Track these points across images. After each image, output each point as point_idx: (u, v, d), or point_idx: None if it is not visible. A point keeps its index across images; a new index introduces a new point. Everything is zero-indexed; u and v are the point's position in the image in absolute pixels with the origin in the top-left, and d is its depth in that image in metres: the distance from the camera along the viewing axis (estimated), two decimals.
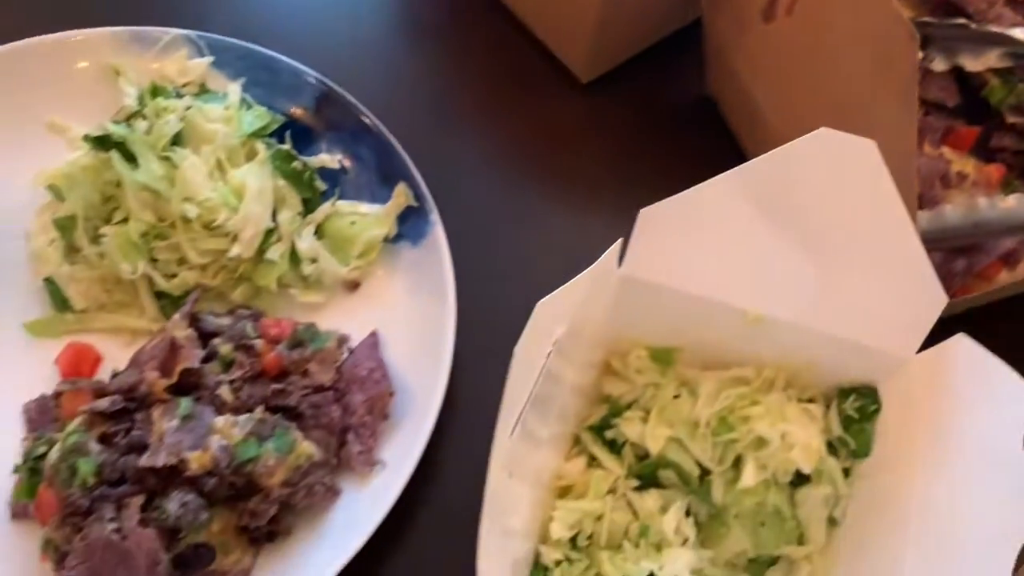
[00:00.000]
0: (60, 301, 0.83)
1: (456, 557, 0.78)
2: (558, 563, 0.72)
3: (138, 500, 0.67)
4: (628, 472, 0.76)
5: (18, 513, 0.74)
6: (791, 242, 0.70)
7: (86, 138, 0.80)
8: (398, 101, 0.93)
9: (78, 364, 0.80)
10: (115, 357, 0.82)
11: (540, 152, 0.97)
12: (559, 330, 0.63)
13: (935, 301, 0.69)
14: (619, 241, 0.69)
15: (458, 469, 0.80)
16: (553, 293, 0.60)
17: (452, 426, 0.80)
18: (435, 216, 0.84)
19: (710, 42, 0.94)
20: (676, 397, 0.77)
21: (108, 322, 0.82)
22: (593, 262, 0.92)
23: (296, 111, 0.90)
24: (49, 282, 0.83)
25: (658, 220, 0.70)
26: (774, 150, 0.68)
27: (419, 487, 0.77)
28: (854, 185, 0.67)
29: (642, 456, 0.78)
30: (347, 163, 0.88)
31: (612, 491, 0.75)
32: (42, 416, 0.78)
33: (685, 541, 0.72)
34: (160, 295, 0.83)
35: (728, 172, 0.69)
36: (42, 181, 0.86)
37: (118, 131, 0.80)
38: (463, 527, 0.79)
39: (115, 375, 0.77)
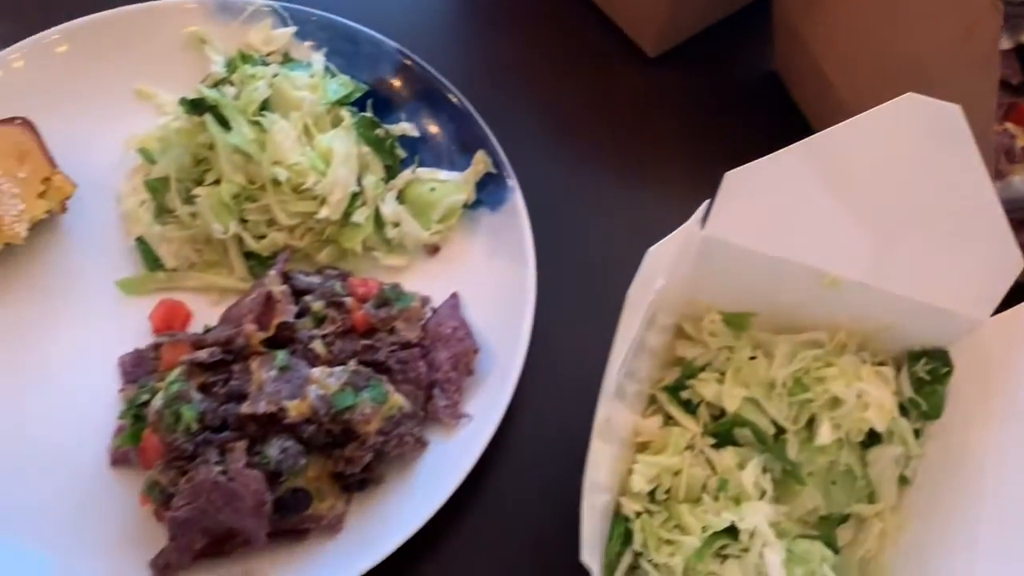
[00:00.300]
0: (151, 260, 0.86)
1: (533, 506, 0.81)
2: (638, 515, 0.74)
3: (243, 444, 0.70)
4: (704, 430, 0.79)
5: (118, 460, 0.77)
6: (871, 205, 0.72)
7: (182, 101, 0.83)
8: (472, 73, 0.96)
9: (170, 320, 0.83)
10: (204, 314, 0.85)
11: (608, 124, 0.99)
12: (660, 281, 0.65)
13: (1012, 265, 0.71)
14: (705, 203, 0.71)
15: (533, 423, 0.82)
16: (661, 241, 0.63)
17: (526, 383, 0.83)
18: (513, 182, 0.86)
19: (779, 16, 0.96)
20: (752, 359, 0.79)
21: (197, 281, 0.85)
22: (659, 232, 0.95)
23: (377, 81, 0.92)
24: (140, 242, 0.86)
25: (742, 183, 0.72)
26: (858, 115, 0.70)
27: (497, 439, 0.80)
28: (937, 149, 0.69)
29: (716, 416, 0.80)
30: (429, 130, 0.91)
31: (689, 448, 0.77)
32: (137, 368, 0.81)
33: (763, 495, 0.74)
34: (248, 255, 0.86)
35: (811, 137, 0.71)
36: (133, 145, 0.90)
37: (212, 95, 0.83)
38: (539, 478, 0.83)
39: (207, 330, 0.80)
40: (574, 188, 0.95)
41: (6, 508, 0.74)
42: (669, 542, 0.73)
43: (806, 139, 0.72)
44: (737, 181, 0.72)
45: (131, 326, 0.83)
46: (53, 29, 0.91)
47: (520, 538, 0.80)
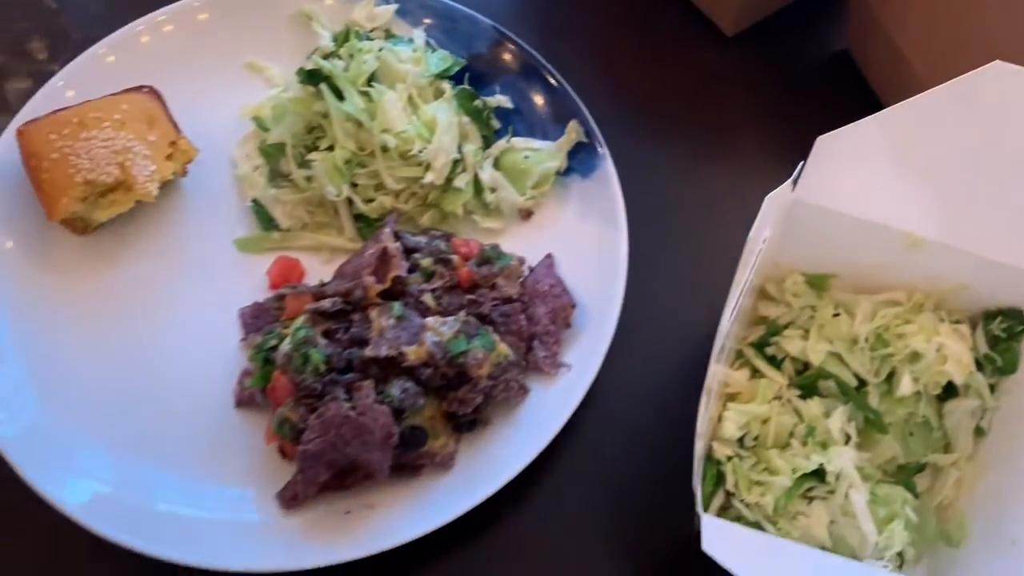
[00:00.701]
0: (266, 220, 0.92)
1: (617, 449, 0.87)
2: (729, 458, 0.79)
3: (370, 383, 0.76)
4: (789, 383, 0.83)
5: (243, 401, 0.83)
6: (955, 169, 0.77)
7: (300, 71, 0.89)
8: (559, 50, 1.01)
9: (286, 275, 0.89)
10: (315, 272, 0.91)
11: (687, 100, 1.04)
12: (767, 232, 0.70)
13: None
14: (799, 166, 0.76)
15: (619, 374, 0.87)
16: (778, 189, 0.67)
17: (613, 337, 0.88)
18: (604, 150, 0.92)
19: None
20: (835, 316, 0.84)
21: (310, 240, 0.91)
22: (733, 202, 1.00)
23: (473, 56, 0.98)
24: (256, 203, 0.93)
25: (832, 148, 0.76)
26: (945, 83, 0.74)
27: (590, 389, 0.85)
28: (1021, 114, 0.73)
29: (800, 370, 0.85)
30: (521, 103, 0.96)
31: (776, 398, 0.82)
32: (256, 319, 0.88)
33: (847, 441, 0.79)
34: (357, 217, 0.92)
35: (899, 104, 0.76)
36: (246, 114, 0.96)
37: (327, 66, 0.89)
38: (624, 425, 0.88)
39: (323, 285, 0.86)
40: (653, 159, 1.00)
41: (147, 440, 0.81)
42: (759, 483, 0.78)
43: (892, 106, 0.76)
44: (828, 146, 0.77)
45: (248, 281, 0.90)
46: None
47: (606, 477, 0.86)
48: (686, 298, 0.94)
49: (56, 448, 0.78)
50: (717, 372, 0.79)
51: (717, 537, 0.65)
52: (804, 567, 0.66)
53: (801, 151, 1.01)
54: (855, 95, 1.05)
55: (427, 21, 0.99)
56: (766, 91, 1.06)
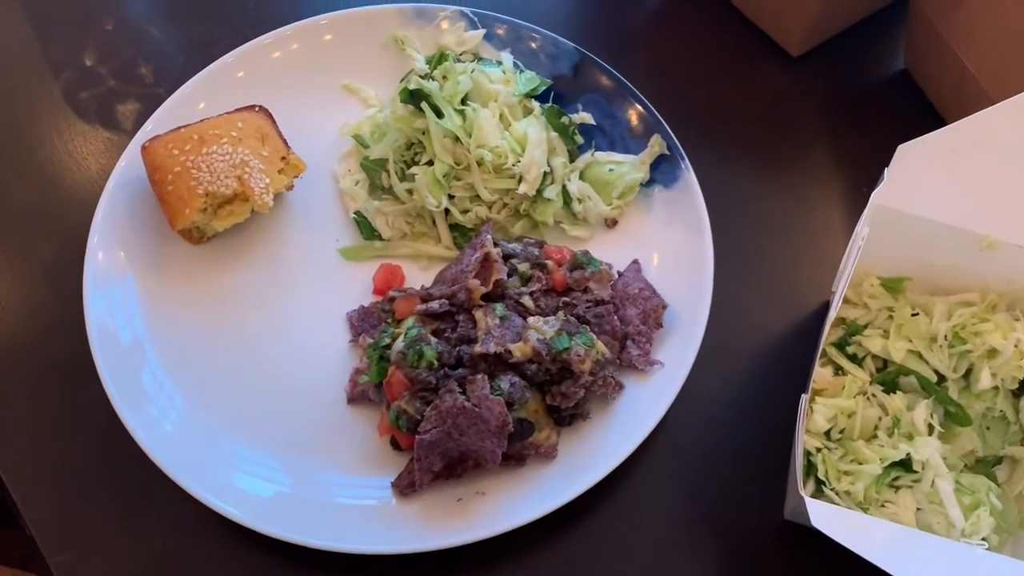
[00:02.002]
0: (368, 231, 0.98)
1: (709, 444, 0.91)
2: (818, 450, 0.84)
3: (483, 376, 0.81)
4: (872, 379, 0.88)
5: (355, 398, 0.89)
6: None
7: (403, 91, 0.96)
8: (636, 69, 1.07)
9: (390, 281, 0.95)
10: (414, 278, 0.97)
11: (757, 116, 1.10)
12: (866, 229, 0.75)
13: None
14: (885, 171, 0.81)
15: (708, 371, 0.92)
16: (880, 187, 0.72)
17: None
18: (687, 163, 0.97)
19: (916, 17, 1.06)
20: (914, 315, 0.88)
21: (409, 249, 0.97)
22: (805, 211, 1.05)
23: (556, 76, 1.04)
24: (358, 215, 0.99)
25: (913, 155, 0.81)
26: (1015, 96, 0.79)
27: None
28: None
29: (880, 368, 0.90)
30: (603, 119, 1.02)
31: (861, 393, 0.86)
32: (363, 322, 0.93)
33: (931, 432, 0.83)
34: (452, 227, 0.97)
35: (973, 115, 0.81)
36: (347, 132, 1.02)
37: (427, 86, 0.95)
38: (713, 419, 0.93)
39: (425, 289, 0.92)
40: (727, 172, 1.06)
41: (267, 435, 0.86)
42: (847, 473, 0.82)
43: (966, 118, 0.81)
44: (909, 153, 0.81)
45: (353, 287, 0.96)
46: (319, 17, 1.07)
47: (693, 468, 0.90)
48: (763, 297, 0.99)
49: (202, 447, 0.84)
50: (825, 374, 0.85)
51: (824, 517, 0.69)
52: (905, 543, 0.70)
53: (867, 164, 1.08)
54: (917, 110, 1.11)
55: (512, 45, 1.05)
56: (831, 108, 1.11)
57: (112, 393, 0.83)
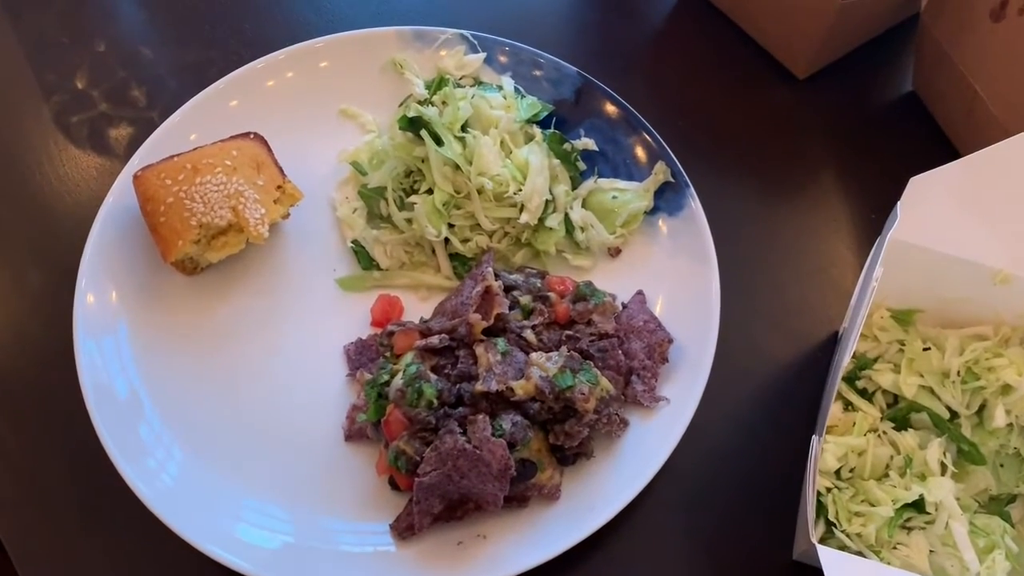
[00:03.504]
0: (366, 260, 0.96)
1: (716, 481, 0.89)
2: (828, 490, 0.81)
3: (485, 417, 0.78)
4: (882, 415, 0.86)
5: (353, 436, 0.86)
6: None
7: (402, 119, 0.94)
8: (638, 93, 1.04)
9: (388, 313, 0.93)
10: (413, 309, 0.94)
11: (763, 139, 1.08)
12: (880, 271, 0.73)
13: None
14: (897, 206, 0.79)
15: (714, 406, 0.89)
16: (896, 225, 0.71)
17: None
18: (692, 191, 0.95)
19: (926, 40, 1.04)
20: (925, 350, 0.86)
21: (408, 279, 0.95)
22: (812, 237, 1.03)
23: (558, 101, 1.02)
24: (356, 244, 0.96)
25: (926, 187, 0.79)
26: None
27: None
28: None
29: (890, 403, 0.88)
30: (606, 145, 1.00)
31: (872, 430, 0.84)
32: (360, 356, 0.91)
33: (944, 471, 0.81)
34: (452, 256, 0.95)
35: (986, 149, 0.79)
36: (345, 159, 1.00)
37: (427, 113, 0.93)
38: (721, 455, 0.90)
39: (424, 321, 0.90)
40: (732, 197, 1.04)
41: (266, 478, 0.84)
42: (859, 514, 0.80)
43: (979, 151, 0.79)
44: (921, 185, 0.79)
45: (350, 319, 0.93)
46: (314, 41, 1.04)
47: (700, 506, 0.88)
48: (769, 329, 0.97)
49: (202, 498, 0.82)
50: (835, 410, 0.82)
51: (837, 567, 0.67)
52: None
53: (875, 188, 1.06)
54: (925, 133, 1.09)
55: (513, 69, 1.03)
56: (839, 131, 1.09)
57: (110, 448, 0.81)
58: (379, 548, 0.80)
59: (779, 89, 1.11)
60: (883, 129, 1.10)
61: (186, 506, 0.79)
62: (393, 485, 0.83)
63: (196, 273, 0.94)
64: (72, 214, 1.00)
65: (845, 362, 0.72)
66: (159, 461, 0.82)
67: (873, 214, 1.03)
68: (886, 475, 0.82)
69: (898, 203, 0.78)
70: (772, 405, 0.93)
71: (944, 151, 1.06)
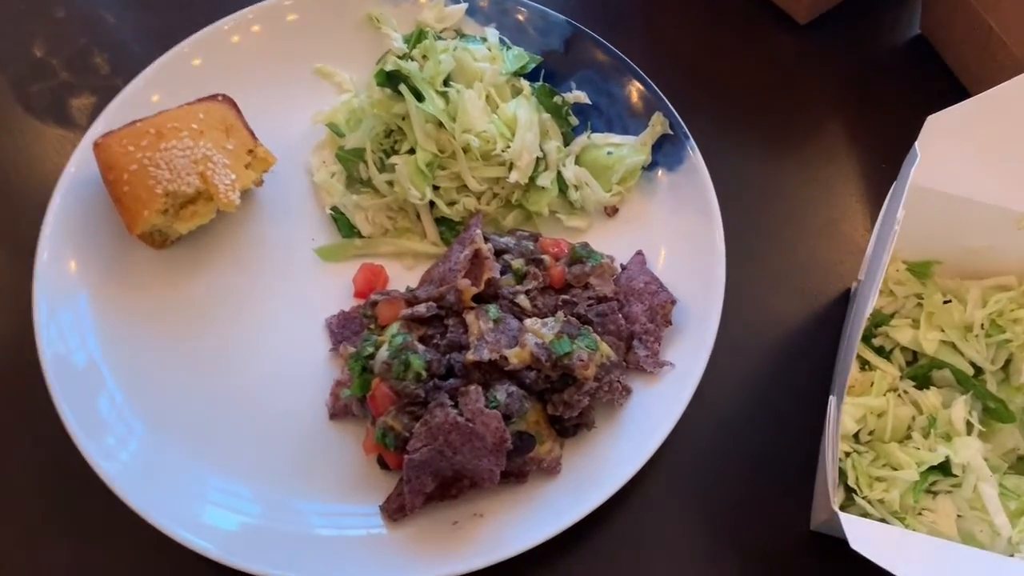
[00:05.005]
0: (347, 228, 0.90)
1: (724, 448, 0.84)
2: (847, 455, 0.76)
3: (477, 387, 0.73)
4: (902, 374, 0.80)
5: (338, 413, 0.81)
6: None
7: (379, 73, 0.87)
8: (633, 42, 0.98)
9: (371, 283, 0.87)
10: (398, 278, 0.89)
11: (763, 88, 1.02)
12: (902, 213, 0.67)
13: None
14: (916, 146, 0.73)
15: (720, 369, 0.84)
16: (916, 163, 0.65)
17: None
18: (691, 142, 0.89)
19: None
20: (946, 303, 0.81)
21: (392, 246, 0.89)
22: (818, 188, 0.97)
23: (546, 52, 0.95)
24: (335, 211, 0.90)
25: (943, 127, 0.73)
26: None
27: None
28: None
29: (909, 360, 0.82)
30: (599, 97, 0.94)
31: (891, 390, 0.79)
32: (343, 329, 0.85)
33: (970, 431, 0.76)
34: (438, 221, 0.89)
35: (1007, 83, 0.73)
36: (321, 120, 0.94)
37: (406, 67, 0.86)
38: (729, 421, 0.85)
39: (411, 291, 0.84)
40: (733, 149, 0.98)
41: (240, 459, 0.78)
42: (880, 479, 0.75)
43: (999, 86, 0.73)
44: (938, 126, 0.73)
45: (331, 290, 0.88)
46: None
47: (708, 474, 0.83)
48: (778, 287, 0.92)
49: (165, 477, 0.76)
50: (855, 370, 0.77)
51: (863, 536, 0.61)
52: (954, 562, 0.62)
53: (884, 137, 1.00)
54: (935, 78, 1.03)
55: (497, 19, 0.97)
56: (844, 78, 1.03)
57: (69, 422, 0.75)
58: (370, 531, 0.74)
59: (780, 36, 1.05)
60: (891, 75, 1.04)
61: (148, 484, 0.74)
62: (382, 464, 0.77)
63: (165, 247, 0.88)
64: (33, 189, 0.94)
65: (866, 316, 0.66)
66: (119, 437, 0.77)
67: (884, 164, 0.97)
68: (908, 437, 0.77)
69: (916, 143, 0.73)
70: (783, 368, 0.88)
71: (957, 96, 0.99)
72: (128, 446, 0.76)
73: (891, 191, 0.80)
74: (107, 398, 0.79)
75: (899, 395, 0.79)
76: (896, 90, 1.02)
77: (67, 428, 0.75)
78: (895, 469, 0.75)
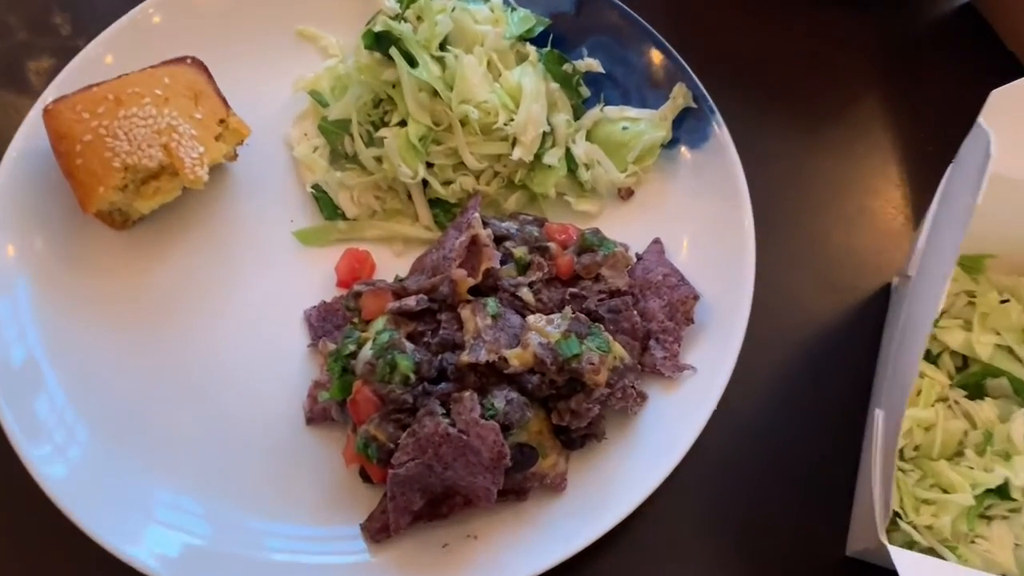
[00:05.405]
0: (330, 209, 0.80)
1: (752, 460, 0.75)
2: None
3: (472, 394, 0.64)
4: (951, 382, 0.71)
5: (316, 417, 0.72)
6: None
7: (367, 34, 0.78)
8: (651, 9, 0.88)
9: (356, 271, 0.78)
10: (387, 266, 0.79)
11: (799, 62, 0.93)
12: (975, 201, 0.58)
13: None
14: (980, 122, 0.63)
15: (749, 370, 0.75)
16: (992, 142, 0.56)
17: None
18: (718, 117, 0.80)
19: None
20: (1003, 302, 0.72)
21: (380, 230, 0.80)
22: (857, 171, 0.88)
23: (555, 14, 0.86)
24: (317, 189, 0.81)
25: (1009, 103, 0.64)
26: None
27: None
28: None
29: (959, 366, 0.73)
30: (614, 66, 0.84)
31: (941, 400, 0.70)
32: (324, 322, 0.76)
33: None
34: (432, 202, 0.80)
35: None
36: (303, 87, 0.84)
37: (398, 28, 0.77)
38: (758, 430, 0.76)
39: (400, 280, 0.75)
40: (764, 127, 0.89)
41: (207, 471, 0.70)
42: (928, 502, 0.66)
43: None
44: (1003, 101, 0.64)
45: (312, 278, 0.79)
46: None
47: (733, 491, 0.74)
48: (808, 279, 0.83)
49: (111, 488, 0.68)
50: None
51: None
52: None
53: (926, 115, 0.90)
54: (985, 51, 0.93)
55: None
56: (883, 50, 0.94)
57: (7, 424, 0.67)
58: (349, 557, 0.66)
59: (815, 5, 0.95)
60: (935, 47, 0.95)
61: (88, 495, 0.66)
62: (364, 476, 0.69)
63: (126, 227, 0.79)
64: None
65: (930, 323, 0.57)
66: (57, 444, 0.68)
67: (929, 146, 0.88)
68: (960, 453, 0.68)
69: (979, 119, 0.63)
70: (815, 370, 0.79)
71: (1009, 70, 0.91)
72: (68, 452, 0.68)
73: (947, 175, 0.70)
74: (46, 399, 0.70)
75: (949, 406, 0.70)
76: (941, 64, 0.93)
77: (6, 431, 0.67)
78: (946, 491, 0.66)
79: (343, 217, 0.80)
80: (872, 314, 0.81)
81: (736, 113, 0.84)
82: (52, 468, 0.66)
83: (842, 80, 0.92)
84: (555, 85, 0.81)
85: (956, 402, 0.70)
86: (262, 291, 0.78)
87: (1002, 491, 0.66)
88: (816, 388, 0.78)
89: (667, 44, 0.83)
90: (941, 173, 0.74)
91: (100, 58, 0.82)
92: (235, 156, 0.81)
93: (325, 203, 0.81)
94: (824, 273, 0.83)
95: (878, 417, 0.64)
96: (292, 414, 0.73)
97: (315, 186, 0.81)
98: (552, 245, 0.74)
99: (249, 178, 0.82)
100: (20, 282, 0.74)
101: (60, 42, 0.92)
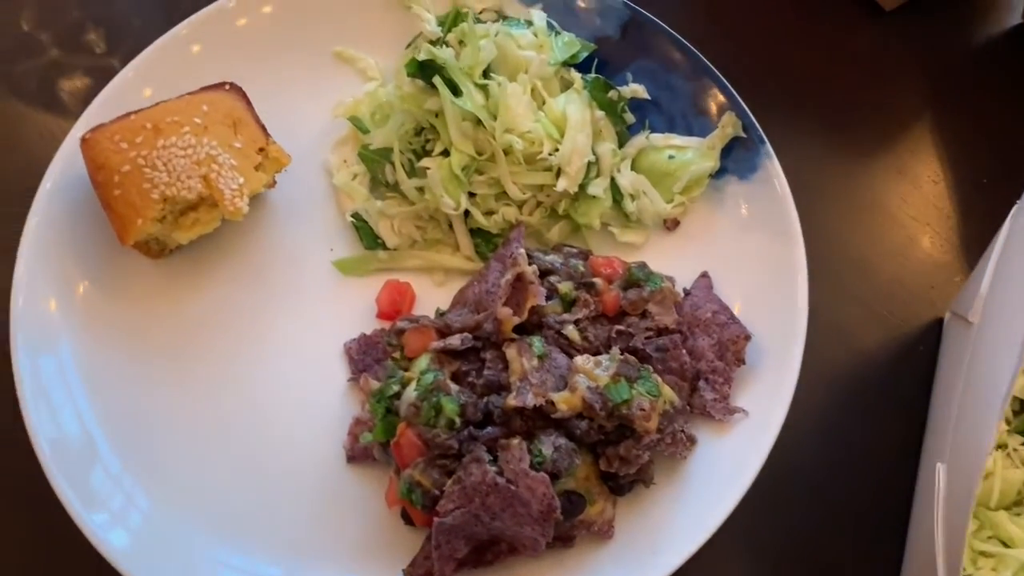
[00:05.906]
0: (370, 238, 0.79)
1: (805, 508, 0.73)
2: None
3: (521, 442, 0.62)
4: (1009, 427, 0.69)
5: (357, 456, 0.71)
6: None
7: (410, 63, 0.76)
8: (699, 30, 0.86)
9: (397, 302, 0.76)
10: (427, 297, 0.78)
11: (849, 84, 0.91)
12: None
13: None
14: None
15: (800, 411, 0.71)
16: None
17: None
18: (768, 148, 0.77)
19: None
20: None
21: (420, 260, 0.78)
22: (910, 198, 0.86)
23: (599, 39, 0.83)
24: (357, 218, 0.79)
25: None
26: None
27: None
28: None
29: (1017, 410, 0.71)
30: (660, 92, 0.82)
31: (1000, 447, 0.68)
32: (364, 356, 0.75)
33: None
34: (474, 232, 0.78)
35: None
36: (342, 113, 0.82)
37: (442, 56, 0.75)
38: (810, 475, 0.74)
39: (442, 314, 0.73)
40: (805, 149, 0.87)
41: (249, 516, 0.69)
42: (986, 555, 0.64)
43: None
44: None
45: (352, 310, 0.77)
46: None
47: (786, 542, 0.73)
48: (857, 313, 0.81)
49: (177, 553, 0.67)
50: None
51: None
52: None
53: (981, 144, 0.88)
54: None
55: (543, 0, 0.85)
56: (934, 74, 0.91)
57: (66, 496, 0.66)
58: None
59: (863, 24, 0.93)
60: (989, 70, 0.92)
61: (152, 561, 0.64)
62: (407, 519, 0.67)
63: (163, 256, 0.78)
64: (14, 185, 0.82)
65: (1009, 387, 0.54)
66: (113, 513, 0.67)
67: (985, 179, 0.85)
68: (1019, 503, 0.66)
69: None
70: (864, 408, 0.77)
71: None
72: (129, 518, 0.67)
73: (1013, 211, 0.67)
74: (101, 468, 0.69)
75: (1007, 454, 0.68)
76: (996, 87, 0.90)
77: (65, 507, 0.66)
78: (1005, 544, 0.64)
79: (383, 247, 0.78)
80: (923, 348, 0.79)
81: (780, 137, 0.82)
82: (111, 535, 0.65)
83: (891, 104, 0.90)
84: (600, 113, 0.79)
85: (1015, 449, 0.67)
86: (300, 322, 0.77)
87: None
88: (865, 425, 0.76)
89: (714, 71, 0.80)
90: (994, 205, 0.72)
91: (136, 84, 0.80)
92: (274, 184, 0.79)
93: (365, 232, 0.79)
94: (873, 305, 0.81)
95: (939, 471, 0.62)
96: (332, 451, 0.71)
97: (355, 215, 0.80)
98: (598, 281, 0.72)
99: (287, 205, 0.81)
100: (63, 337, 0.72)
101: (94, 60, 0.91)
